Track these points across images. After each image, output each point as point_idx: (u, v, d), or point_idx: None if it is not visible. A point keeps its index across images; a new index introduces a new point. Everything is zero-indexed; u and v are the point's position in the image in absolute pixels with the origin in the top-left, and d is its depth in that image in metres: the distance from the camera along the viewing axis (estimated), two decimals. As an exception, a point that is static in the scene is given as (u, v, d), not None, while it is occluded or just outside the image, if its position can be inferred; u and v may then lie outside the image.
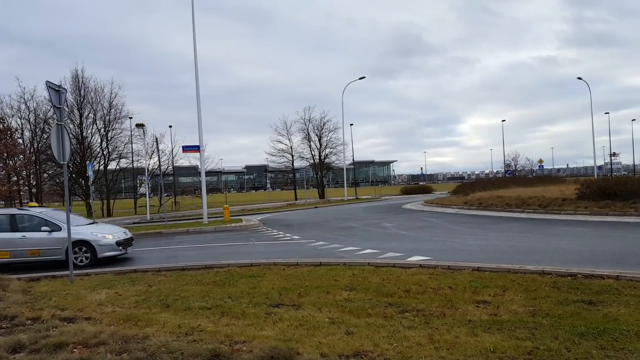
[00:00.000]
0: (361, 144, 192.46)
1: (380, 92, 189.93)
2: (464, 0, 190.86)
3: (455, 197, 30.97)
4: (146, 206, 32.70)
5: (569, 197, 19.61)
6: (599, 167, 64.35)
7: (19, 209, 12.36)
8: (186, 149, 26.20)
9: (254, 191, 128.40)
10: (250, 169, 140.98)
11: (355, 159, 60.39)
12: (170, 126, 43.67)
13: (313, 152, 51.21)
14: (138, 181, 42.70)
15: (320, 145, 51.01)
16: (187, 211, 36.00)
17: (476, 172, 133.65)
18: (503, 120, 70.66)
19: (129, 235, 12.61)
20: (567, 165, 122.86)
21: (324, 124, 50.25)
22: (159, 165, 30.39)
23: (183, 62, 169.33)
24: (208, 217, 23.61)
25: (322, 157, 51.31)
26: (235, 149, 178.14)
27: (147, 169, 37.30)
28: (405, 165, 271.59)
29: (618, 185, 18.18)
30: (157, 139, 30.44)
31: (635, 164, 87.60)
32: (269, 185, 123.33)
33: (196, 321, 5.33)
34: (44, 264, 11.36)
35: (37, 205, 14.77)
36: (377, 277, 7.34)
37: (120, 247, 11.71)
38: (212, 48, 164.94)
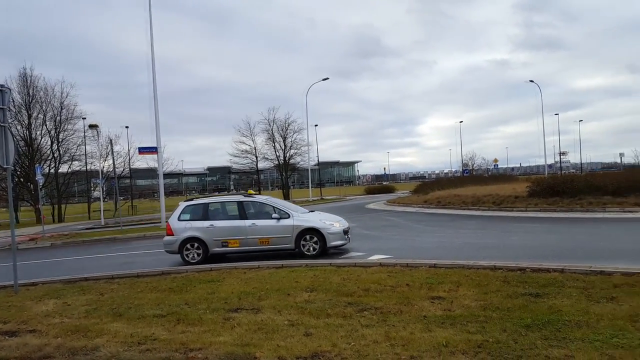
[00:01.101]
0: (326, 144, 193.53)
1: (343, 93, 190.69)
2: (420, 3, 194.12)
3: (415, 196, 31.63)
4: (100, 211, 31.47)
5: (521, 194, 20.45)
6: (550, 166, 67.63)
7: (245, 196, 11.62)
8: (142, 150, 25.38)
9: (217, 193, 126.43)
10: (212, 170, 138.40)
11: (320, 160, 60.65)
12: (126, 127, 42.08)
13: (277, 153, 50.83)
14: (92, 184, 41.06)
15: (285, 146, 50.68)
16: (145, 215, 34.92)
17: (436, 172, 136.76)
18: (460, 122, 73.05)
19: (348, 224, 11.88)
20: (520, 164, 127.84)
21: (288, 125, 49.97)
22: (114, 168, 29.39)
23: (140, 61, 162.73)
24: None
25: (287, 158, 51.07)
26: (196, 150, 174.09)
27: (102, 172, 35.94)
28: (369, 165, 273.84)
29: (565, 183, 19.15)
30: (111, 140, 29.49)
31: (582, 162, 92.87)
32: (232, 187, 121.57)
33: (150, 330, 5.18)
34: (272, 253, 10.82)
35: (255, 192, 14.04)
36: (338, 277, 7.39)
37: (346, 236, 11.18)
38: (171, 47, 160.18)
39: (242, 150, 49.29)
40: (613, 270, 6.57)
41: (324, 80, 46.65)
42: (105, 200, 35.88)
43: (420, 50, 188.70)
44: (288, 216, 10.80)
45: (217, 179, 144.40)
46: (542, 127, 52.55)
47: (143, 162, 40.94)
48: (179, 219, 11.12)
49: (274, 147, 50.27)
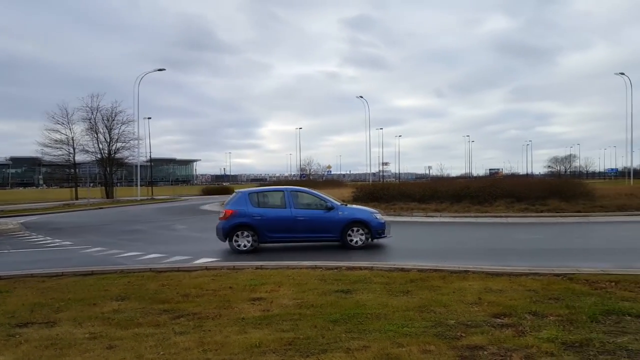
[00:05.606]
0: (158, 139, 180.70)
1: (178, 86, 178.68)
2: (250, 2, 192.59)
3: (251, 198, 31.87)
4: None
5: (347, 199, 22.34)
6: (374, 174, 76.00)
7: None
8: None
9: (22, 188, 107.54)
10: (17, 161, 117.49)
11: (153, 156, 56.70)
12: None
13: (101, 146, 45.49)
14: None
15: (111, 138, 45.75)
16: None
17: (277, 175, 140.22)
18: (300, 128, 76.67)
19: None
20: (350, 171, 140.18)
21: (115, 115, 45.09)
22: None
23: None
24: (-55, 221, 18.74)
25: (112, 152, 46.18)
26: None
27: None
28: (209, 164, 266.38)
29: (382, 190, 21.78)
30: None
31: (399, 172, 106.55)
32: (42, 182, 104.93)
33: None
34: None
35: None
36: (156, 283, 6.93)
37: None
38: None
39: (56, 140, 42.75)
40: (411, 267, 7.61)
41: (159, 70, 43.66)
42: None
43: (255, 51, 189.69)
44: None
45: (23, 171, 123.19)
46: (368, 139, 58.71)
47: None
48: None
49: (97, 139, 44.93)
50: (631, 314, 4.78)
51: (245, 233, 10.68)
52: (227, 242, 10.86)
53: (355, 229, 10.80)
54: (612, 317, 4.70)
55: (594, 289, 5.87)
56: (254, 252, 10.54)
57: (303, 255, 9.78)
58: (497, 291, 5.87)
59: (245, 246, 10.62)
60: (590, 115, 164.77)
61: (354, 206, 12.14)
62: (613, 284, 6.12)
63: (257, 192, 11.60)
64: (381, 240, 11.20)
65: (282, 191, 11.46)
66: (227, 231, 10.77)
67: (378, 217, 11.22)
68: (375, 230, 10.86)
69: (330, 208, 10.97)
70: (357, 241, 10.75)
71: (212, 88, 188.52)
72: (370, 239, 10.84)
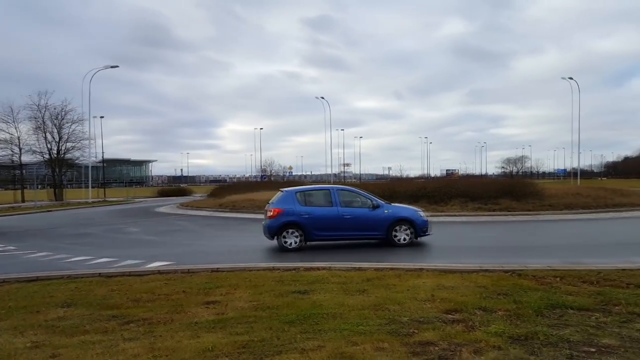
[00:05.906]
0: (112, 139, 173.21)
1: (131, 84, 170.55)
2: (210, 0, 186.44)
3: (211, 200, 31.38)
4: None
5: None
6: (335, 175, 76.47)
7: None
8: None
9: None
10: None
11: (105, 156, 54.53)
12: None
13: (49, 145, 43.20)
14: None
15: (60, 138, 43.52)
16: None
17: (237, 176, 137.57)
18: (261, 129, 76.03)
19: None
20: (311, 172, 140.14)
21: (65, 114, 42.92)
22: None
23: None
24: None
25: (62, 152, 43.98)
26: None
27: None
28: (165, 165, 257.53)
29: (342, 191, 21.80)
30: None
31: (360, 173, 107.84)
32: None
33: None
34: None
35: None
36: (105, 289, 6.63)
37: None
38: None
39: (1, 140, 40.44)
40: (368, 267, 7.70)
41: (112, 67, 41.79)
42: None
43: (214, 49, 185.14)
44: None
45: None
46: (329, 140, 59.10)
47: None
48: None
49: (45, 139, 42.68)
50: (574, 307, 5.03)
51: (294, 231, 10.61)
52: (274, 240, 10.78)
53: (400, 226, 10.92)
54: (556, 311, 4.92)
55: (541, 285, 6.13)
56: (299, 250, 10.50)
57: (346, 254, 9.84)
58: (449, 288, 6.02)
59: (293, 244, 10.56)
60: (542, 118, 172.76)
61: (397, 204, 12.18)
62: (558, 279, 6.41)
63: (304, 191, 11.50)
64: (423, 238, 11.39)
65: (329, 189, 11.45)
66: (275, 230, 10.68)
67: (422, 215, 11.37)
68: (420, 228, 11.04)
69: (375, 206, 11.02)
70: (402, 239, 10.87)
71: (169, 86, 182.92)
72: (414, 237, 10.99)
